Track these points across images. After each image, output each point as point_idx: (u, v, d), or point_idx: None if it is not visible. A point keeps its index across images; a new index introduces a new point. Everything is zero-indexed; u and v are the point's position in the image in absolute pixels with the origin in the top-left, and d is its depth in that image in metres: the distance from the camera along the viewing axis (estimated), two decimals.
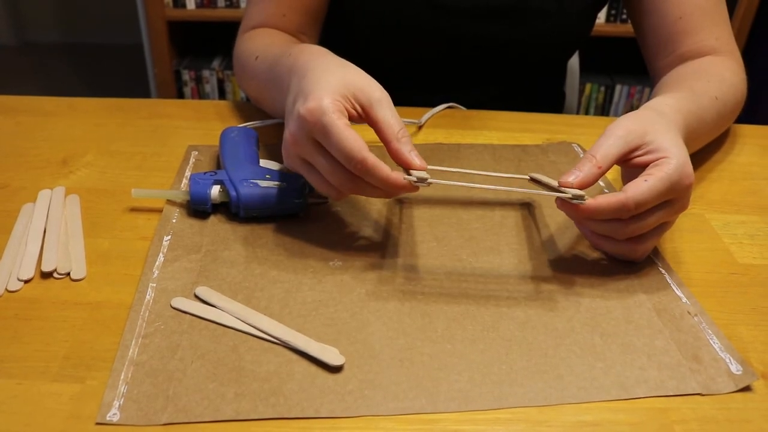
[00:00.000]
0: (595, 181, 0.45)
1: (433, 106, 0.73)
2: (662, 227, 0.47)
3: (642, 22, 0.70)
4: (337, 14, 0.74)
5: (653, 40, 0.70)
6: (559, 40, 0.75)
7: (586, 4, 0.73)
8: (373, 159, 0.43)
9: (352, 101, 0.45)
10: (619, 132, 0.46)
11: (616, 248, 0.48)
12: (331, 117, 0.43)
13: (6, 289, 0.44)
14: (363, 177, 0.44)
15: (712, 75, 0.62)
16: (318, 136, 0.43)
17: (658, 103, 0.52)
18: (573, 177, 0.44)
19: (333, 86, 0.44)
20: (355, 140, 0.42)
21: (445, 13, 0.71)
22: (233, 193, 0.51)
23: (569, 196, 0.44)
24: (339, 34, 0.77)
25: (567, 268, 0.48)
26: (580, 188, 0.44)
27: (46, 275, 0.46)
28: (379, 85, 0.47)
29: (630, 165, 0.46)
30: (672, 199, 0.45)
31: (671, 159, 0.44)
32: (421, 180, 0.43)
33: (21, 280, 0.45)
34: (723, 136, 0.69)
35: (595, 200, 0.43)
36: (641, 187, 0.43)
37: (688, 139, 0.51)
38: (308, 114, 0.43)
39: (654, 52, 0.70)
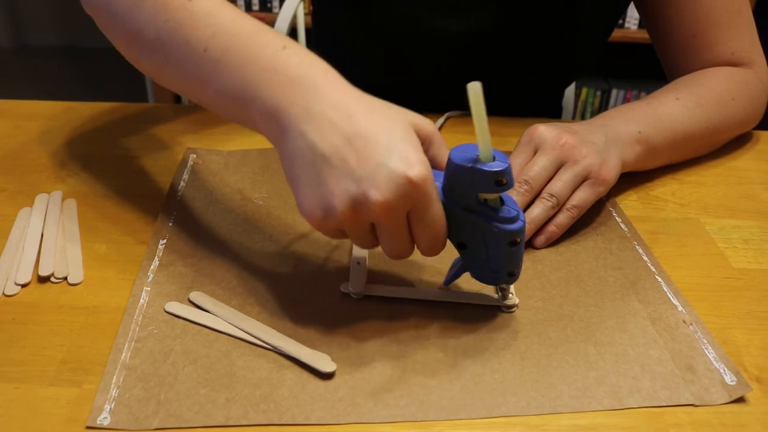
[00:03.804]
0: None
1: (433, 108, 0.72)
2: (574, 200, 0.51)
3: (658, 39, 0.71)
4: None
5: (669, 57, 0.70)
6: (556, 69, 0.75)
7: (592, 37, 0.73)
8: (446, 236, 0.40)
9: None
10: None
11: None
12: (434, 187, 0.38)
13: (3, 294, 0.44)
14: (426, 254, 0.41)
15: (689, 81, 0.64)
16: (417, 207, 0.37)
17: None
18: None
19: (413, 136, 0.38)
20: (444, 216, 0.39)
21: (432, 37, 0.70)
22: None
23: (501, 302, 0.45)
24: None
25: (561, 276, 0.48)
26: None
27: (44, 279, 0.46)
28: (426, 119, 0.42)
29: None
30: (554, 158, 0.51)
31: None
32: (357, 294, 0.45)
33: (18, 285, 0.45)
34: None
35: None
36: None
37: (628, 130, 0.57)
38: (421, 181, 0.36)
39: (671, 68, 0.71)
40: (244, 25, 0.42)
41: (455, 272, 0.44)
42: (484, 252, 0.41)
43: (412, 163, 0.36)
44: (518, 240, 0.40)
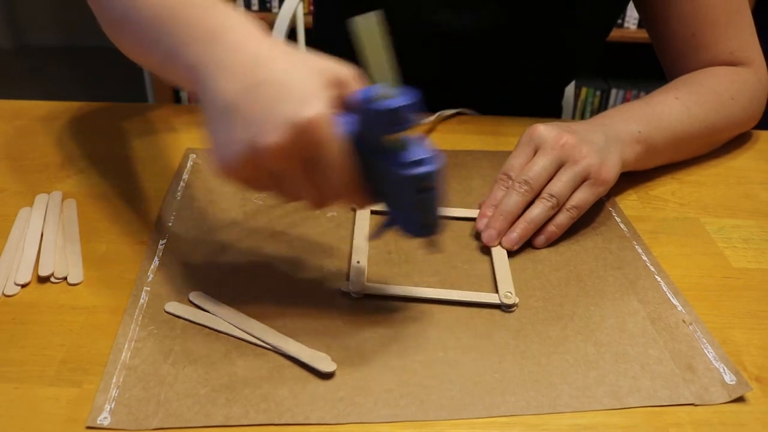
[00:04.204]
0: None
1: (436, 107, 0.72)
2: (574, 200, 0.51)
3: (657, 38, 0.71)
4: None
5: (668, 56, 0.70)
6: (558, 65, 0.75)
7: (592, 35, 0.73)
8: (357, 184, 0.38)
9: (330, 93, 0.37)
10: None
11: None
12: (332, 130, 0.35)
13: (3, 294, 0.44)
14: (337, 198, 0.39)
15: (689, 80, 0.64)
16: (311, 151, 0.35)
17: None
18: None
19: (317, 80, 0.36)
20: (347, 161, 0.37)
21: (433, 37, 0.70)
22: None
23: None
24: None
25: (561, 276, 0.48)
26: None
27: (43, 279, 0.46)
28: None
29: None
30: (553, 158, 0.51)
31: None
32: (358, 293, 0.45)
33: (18, 285, 0.45)
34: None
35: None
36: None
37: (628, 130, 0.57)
38: (310, 124, 0.34)
39: (670, 68, 0.71)
40: None
41: (381, 226, 0.42)
42: (396, 201, 0.39)
43: (304, 105, 0.34)
44: (427, 186, 0.36)
